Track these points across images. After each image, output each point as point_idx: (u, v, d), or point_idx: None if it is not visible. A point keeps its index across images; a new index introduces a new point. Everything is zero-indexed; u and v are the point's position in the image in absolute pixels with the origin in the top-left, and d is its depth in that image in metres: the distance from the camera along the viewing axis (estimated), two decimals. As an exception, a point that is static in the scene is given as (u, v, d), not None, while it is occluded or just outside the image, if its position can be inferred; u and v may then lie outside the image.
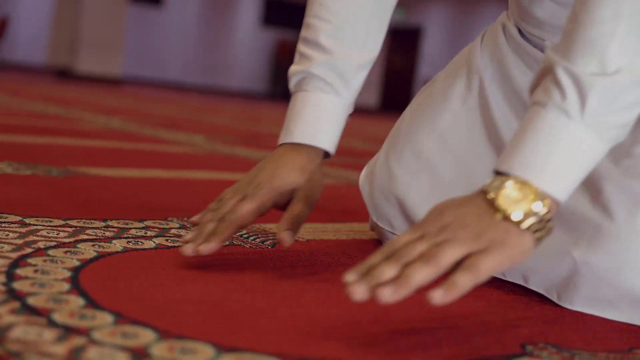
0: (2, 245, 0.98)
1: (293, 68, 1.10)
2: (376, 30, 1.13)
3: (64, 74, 9.08)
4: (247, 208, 1.00)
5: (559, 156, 0.78)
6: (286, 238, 0.99)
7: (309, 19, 1.11)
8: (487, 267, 0.74)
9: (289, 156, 1.06)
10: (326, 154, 1.10)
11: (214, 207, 1.03)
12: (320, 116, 1.08)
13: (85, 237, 1.09)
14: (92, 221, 1.19)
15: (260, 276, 1.00)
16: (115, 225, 1.19)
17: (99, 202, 1.39)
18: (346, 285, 0.72)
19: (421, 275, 0.72)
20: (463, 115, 1.18)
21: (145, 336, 0.72)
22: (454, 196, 0.84)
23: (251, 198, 1.01)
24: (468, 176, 1.13)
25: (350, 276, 0.73)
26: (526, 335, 0.87)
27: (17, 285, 0.83)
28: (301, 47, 1.11)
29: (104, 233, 1.12)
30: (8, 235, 1.04)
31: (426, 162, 1.19)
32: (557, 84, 0.80)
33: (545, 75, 0.83)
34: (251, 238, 1.21)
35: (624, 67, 0.79)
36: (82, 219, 1.20)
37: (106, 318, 0.76)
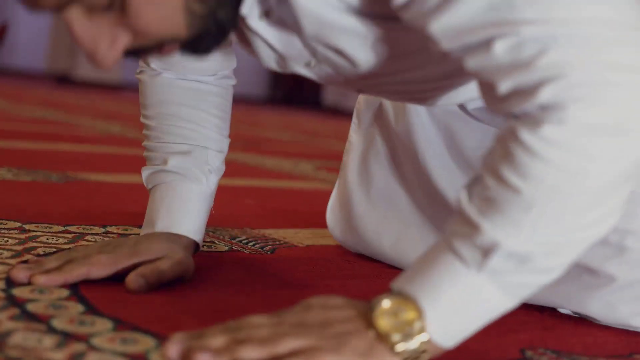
0: (2, 251, 0.98)
1: (144, 168, 1.03)
2: (221, 126, 1.05)
3: (64, 80, 9.08)
4: (102, 257, 0.89)
5: (455, 301, 0.69)
6: (133, 283, 0.87)
7: (147, 120, 1.04)
8: None
9: (156, 233, 0.97)
10: (195, 246, 1.00)
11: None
12: (182, 205, 0.99)
13: (85, 243, 1.09)
14: (92, 227, 1.19)
15: (259, 282, 1.00)
16: (114, 231, 1.19)
17: (98, 208, 1.39)
18: (167, 342, 0.67)
19: (248, 353, 0.66)
20: (398, 137, 1.16)
21: (144, 342, 0.72)
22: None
23: (108, 252, 0.91)
24: (422, 200, 1.14)
25: (178, 335, 0.67)
26: (526, 340, 0.87)
27: (16, 291, 0.82)
28: (149, 154, 1.04)
29: (104, 239, 1.12)
30: (7, 241, 1.04)
31: (385, 197, 1.17)
32: (460, 227, 0.70)
33: (458, 207, 0.71)
34: (250, 244, 1.21)
35: (539, 242, 0.68)
36: (81, 225, 1.20)
37: (106, 324, 0.76)
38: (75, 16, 0.69)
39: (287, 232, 1.35)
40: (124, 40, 0.71)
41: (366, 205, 1.19)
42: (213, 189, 1.03)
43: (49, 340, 0.70)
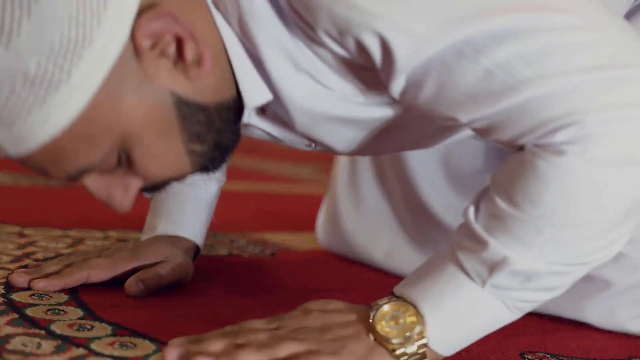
0: (1, 256, 0.98)
1: None
2: None
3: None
4: (102, 261, 0.90)
5: (459, 311, 0.70)
6: (132, 287, 0.87)
7: None
8: None
9: (156, 237, 0.97)
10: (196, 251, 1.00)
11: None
12: (182, 208, 0.99)
13: (85, 247, 1.09)
14: (91, 231, 1.19)
15: (259, 286, 0.99)
16: (114, 235, 1.19)
17: (98, 213, 1.38)
18: (166, 346, 0.68)
19: (248, 358, 0.66)
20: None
21: (143, 347, 0.72)
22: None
23: (108, 256, 0.92)
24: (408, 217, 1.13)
25: (177, 340, 0.68)
26: (525, 344, 0.87)
27: (15, 296, 0.82)
28: None
29: (104, 243, 1.12)
30: (7, 246, 1.04)
31: (374, 212, 1.16)
32: (466, 241, 0.70)
33: (464, 221, 0.71)
34: (250, 248, 1.21)
35: (546, 263, 0.68)
36: (81, 229, 1.20)
37: (105, 329, 0.76)
38: (89, 180, 0.72)
39: (287, 236, 1.35)
40: (136, 185, 0.74)
41: (355, 220, 1.18)
42: (214, 195, 1.03)
43: (48, 345, 0.70)
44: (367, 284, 1.09)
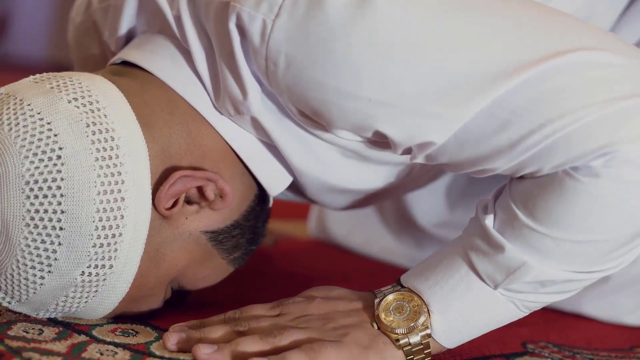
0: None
1: None
2: None
3: (67, 70, 9.08)
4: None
5: (467, 308, 0.70)
6: None
7: None
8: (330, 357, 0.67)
9: None
10: None
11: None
12: None
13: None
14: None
15: (260, 275, 0.99)
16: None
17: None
18: (167, 332, 0.70)
19: (249, 346, 0.67)
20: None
21: (145, 334, 0.72)
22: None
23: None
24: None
25: (177, 326, 0.70)
26: (527, 334, 0.87)
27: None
28: None
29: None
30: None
31: (365, 214, 1.13)
32: (480, 243, 0.70)
33: (477, 223, 0.71)
34: (252, 235, 1.21)
35: (562, 272, 0.68)
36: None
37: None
38: None
39: (289, 224, 1.34)
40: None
41: (344, 224, 1.16)
42: None
43: (49, 332, 0.70)
44: (369, 270, 1.09)
